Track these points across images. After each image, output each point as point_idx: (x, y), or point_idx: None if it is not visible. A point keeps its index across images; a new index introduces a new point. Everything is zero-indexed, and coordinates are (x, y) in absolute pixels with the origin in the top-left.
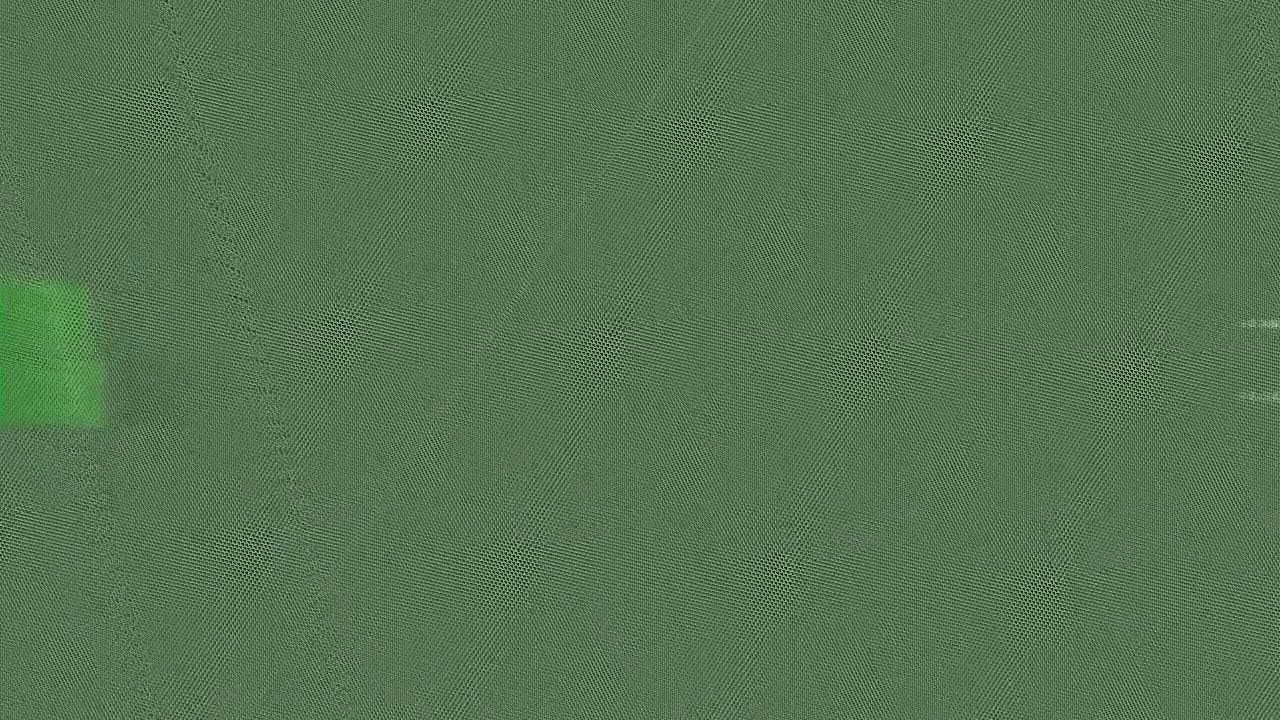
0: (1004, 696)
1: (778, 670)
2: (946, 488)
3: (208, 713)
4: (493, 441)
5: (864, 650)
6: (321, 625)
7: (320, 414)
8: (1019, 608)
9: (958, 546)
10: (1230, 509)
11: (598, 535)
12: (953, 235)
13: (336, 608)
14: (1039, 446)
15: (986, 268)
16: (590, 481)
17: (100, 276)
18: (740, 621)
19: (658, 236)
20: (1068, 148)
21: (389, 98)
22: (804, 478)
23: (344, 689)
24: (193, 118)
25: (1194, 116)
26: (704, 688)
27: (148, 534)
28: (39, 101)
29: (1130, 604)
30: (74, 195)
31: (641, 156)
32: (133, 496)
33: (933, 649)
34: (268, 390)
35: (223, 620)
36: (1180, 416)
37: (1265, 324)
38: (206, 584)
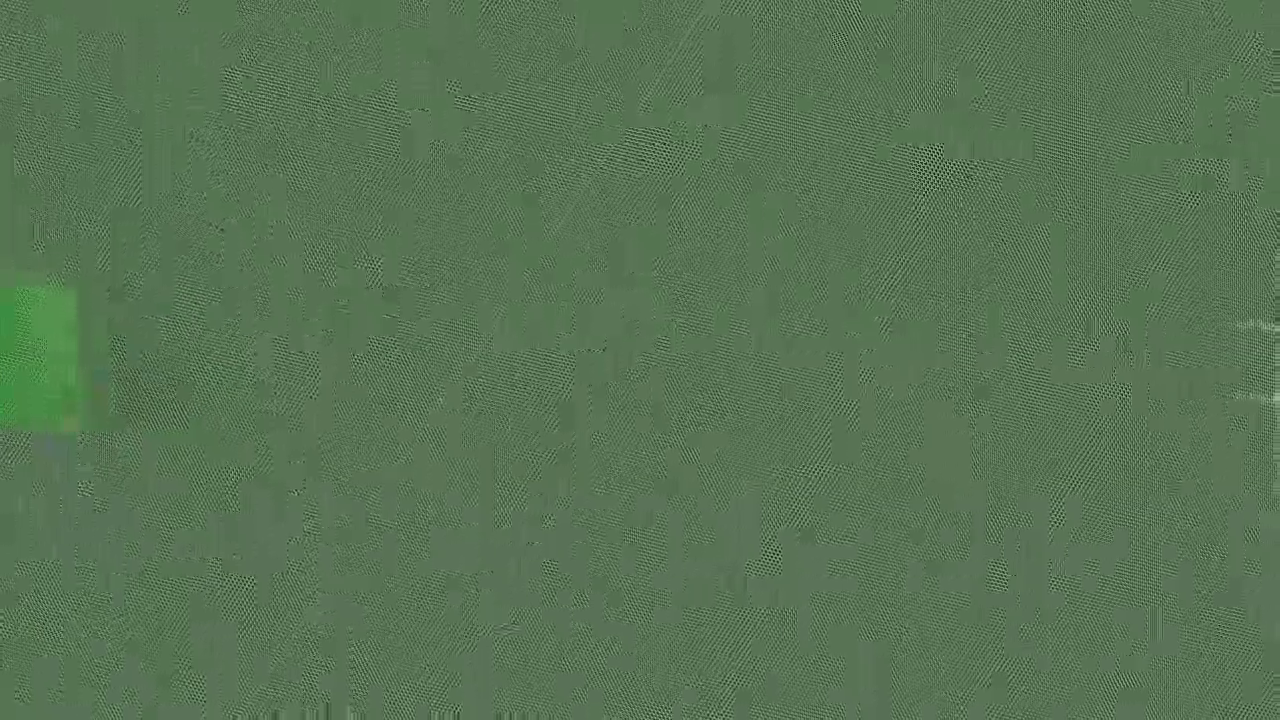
0: (1003, 692)
1: (774, 668)
2: (943, 484)
3: (206, 706)
4: (491, 434)
5: (862, 645)
6: (319, 616)
7: (319, 406)
8: (1015, 603)
9: (956, 542)
10: (1223, 508)
11: (595, 528)
12: (946, 235)
13: (334, 599)
14: (1034, 444)
15: (981, 266)
16: (588, 474)
17: (96, 274)
18: (737, 618)
19: (655, 231)
20: (1061, 148)
21: (388, 92)
22: (805, 473)
23: (340, 680)
24: (191, 113)
25: (1189, 115)
26: (703, 683)
27: (144, 531)
28: (34, 97)
29: (1124, 601)
30: (69, 191)
31: (637, 152)
32: (129, 492)
33: (931, 644)
34: (265, 382)
35: (220, 613)
36: (1173, 416)
37: (1259, 325)
38: (202, 578)
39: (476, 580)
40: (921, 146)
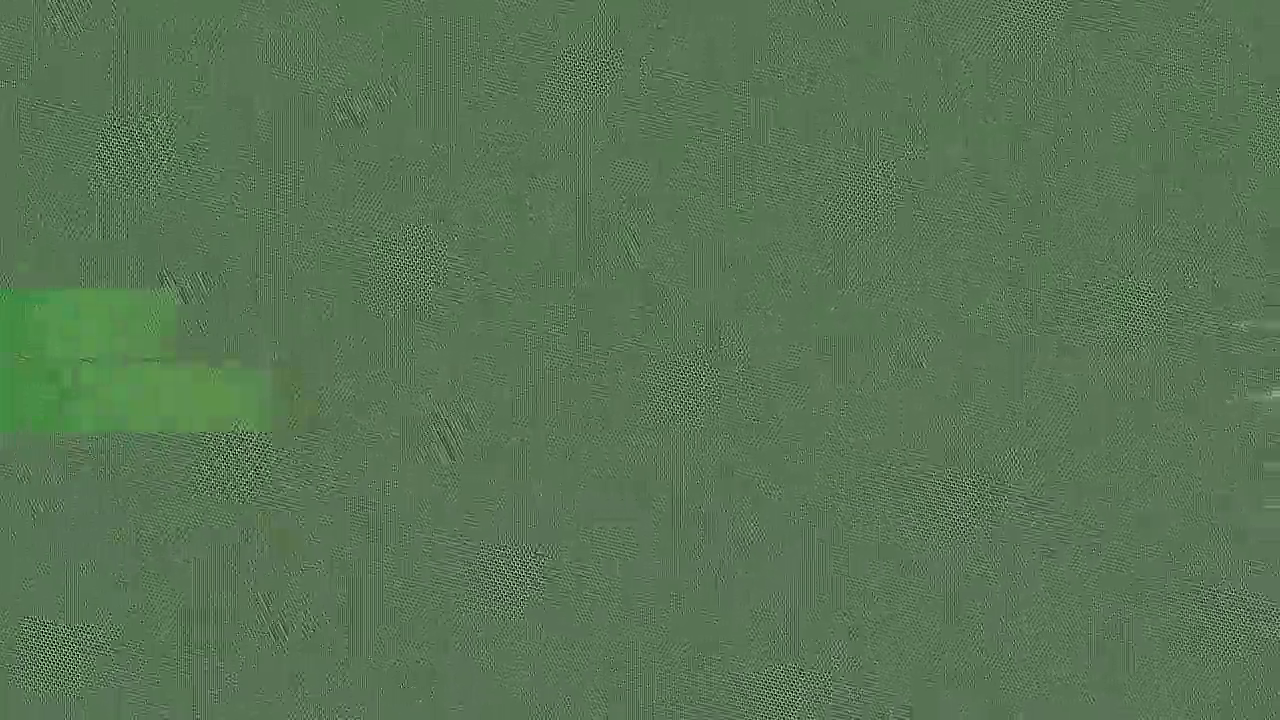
0: (981, 687)
1: (756, 663)
2: (922, 481)
3: (199, 706)
4: (479, 430)
5: (836, 644)
6: (308, 615)
7: (308, 405)
8: (1000, 598)
9: (933, 539)
10: (1211, 506)
11: (580, 526)
12: (937, 231)
13: (324, 600)
14: (1024, 439)
15: (966, 261)
16: (573, 473)
17: (93, 277)
18: (711, 619)
19: (629, 229)
20: (1053, 143)
21: (374, 90)
22: (780, 473)
23: (329, 678)
24: (191, 112)
25: (1183, 107)
26: (675, 684)
27: (138, 531)
28: (30, 97)
29: (1113, 598)
30: (57, 194)
31: (617, 149)
32: (124, 492)
33: (911, 635)
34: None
35: (212, 615)
36: (1161, 413)
37: (1249, 324)
38: (193, 578)
39: (466, 575)
40: (910, 142)
